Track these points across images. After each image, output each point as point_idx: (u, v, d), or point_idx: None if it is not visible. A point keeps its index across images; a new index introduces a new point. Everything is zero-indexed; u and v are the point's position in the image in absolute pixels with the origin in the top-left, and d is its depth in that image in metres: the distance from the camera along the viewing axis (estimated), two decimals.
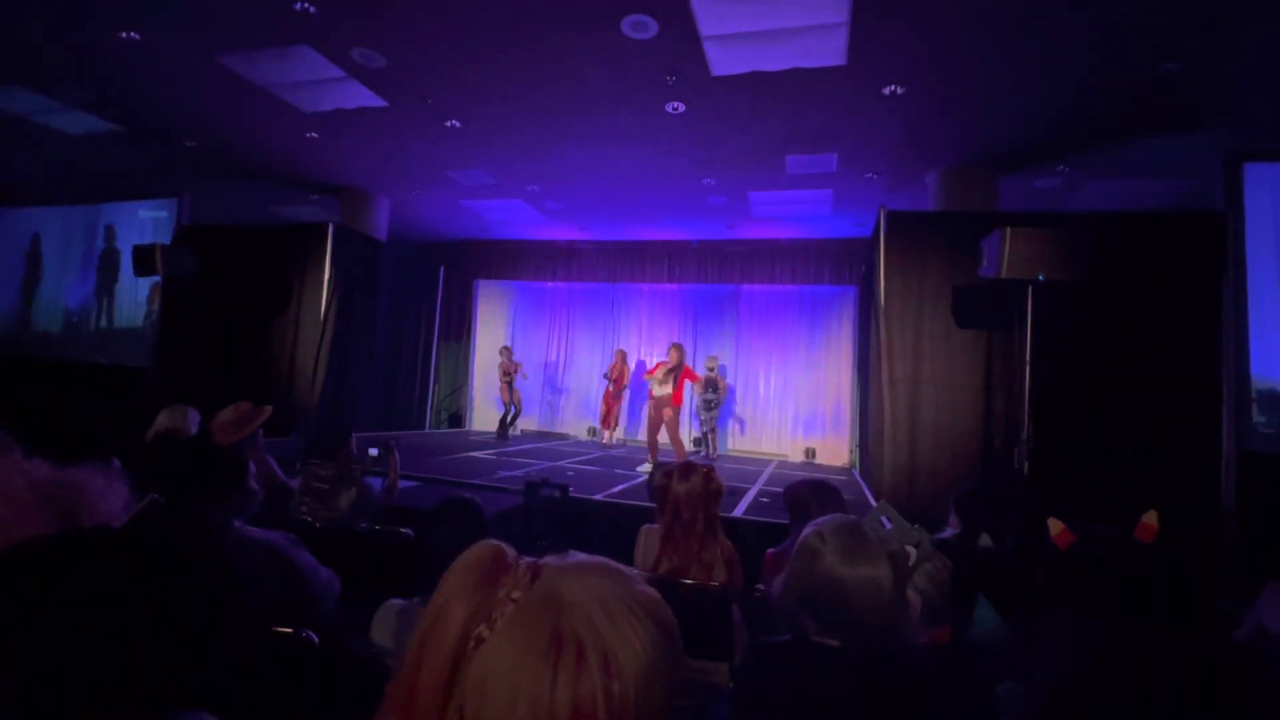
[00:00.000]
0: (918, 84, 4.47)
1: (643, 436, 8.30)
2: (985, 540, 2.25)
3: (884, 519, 2.14)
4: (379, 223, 7.89)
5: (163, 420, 2.70)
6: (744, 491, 5.38)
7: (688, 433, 8.74)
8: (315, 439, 2.44)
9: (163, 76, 5.00)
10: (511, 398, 9.16)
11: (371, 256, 7.18)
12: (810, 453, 8.78)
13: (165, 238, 6.65)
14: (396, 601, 1.57)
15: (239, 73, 4.83)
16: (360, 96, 5.14)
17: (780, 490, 4.00)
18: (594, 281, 9.96)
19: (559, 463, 6.53)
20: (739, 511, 4.36)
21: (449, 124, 5.59)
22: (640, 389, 9.42)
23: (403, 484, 3.24)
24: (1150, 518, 1.09)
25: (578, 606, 0.46)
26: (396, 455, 2.82)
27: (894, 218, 4.92)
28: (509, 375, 9.20)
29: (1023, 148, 5.41)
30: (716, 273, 9.31)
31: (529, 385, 9.81)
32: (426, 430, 9.88)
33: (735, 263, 9.14)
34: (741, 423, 9.30)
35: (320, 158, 6.64)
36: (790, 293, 9.16)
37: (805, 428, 8.96)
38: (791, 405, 9.07)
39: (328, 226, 6.41)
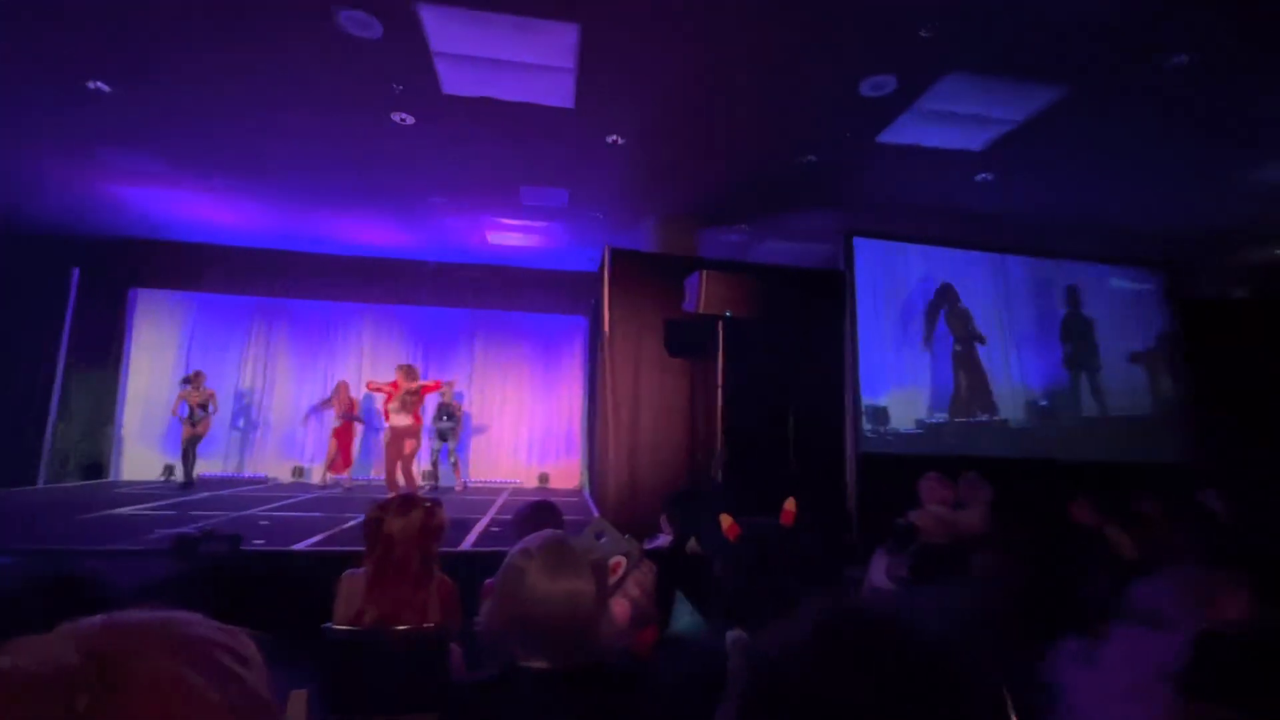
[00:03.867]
0: (636, 138, 5.00)
1: (376, 476, 7.46)
2: (693, 544, 2.53)
3: (600, 533, 2.25)
4: None
5: None
6: (474, 522, 5.18)
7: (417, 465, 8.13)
8: None
9: None
10: (194, 434, 7.45)
11: None
12: (544, 478, 8.92)
13: None
14: None
15: None
16: None
17: (510, 518, 3.95)
18: (304, 299, 8.69)
19: (250, 511, 5.44)
20: (467, 544, 4.17)
21: (91, 86, 4.36)
22: (368, 425, 8.49)
23: None
24: (790, 504, 1.34)
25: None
26: None
27: (617, 255, 5.39)
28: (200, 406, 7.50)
29: (716, 208, 6.45)
30: (451, 297, 8.94)
31: (216, 420, 8.02)
32: (41, 485, 7.31)
33: (471, 288, 8.91)
34: (477, 451, 9.01)
35: None
36: (526, 320, 9.29)
37: (540, 453, 9.09)
38: (526, 432, 9.13)
39: None
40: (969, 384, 5.72)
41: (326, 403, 7.91)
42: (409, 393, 5.83)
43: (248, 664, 0.42)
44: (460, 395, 8.46)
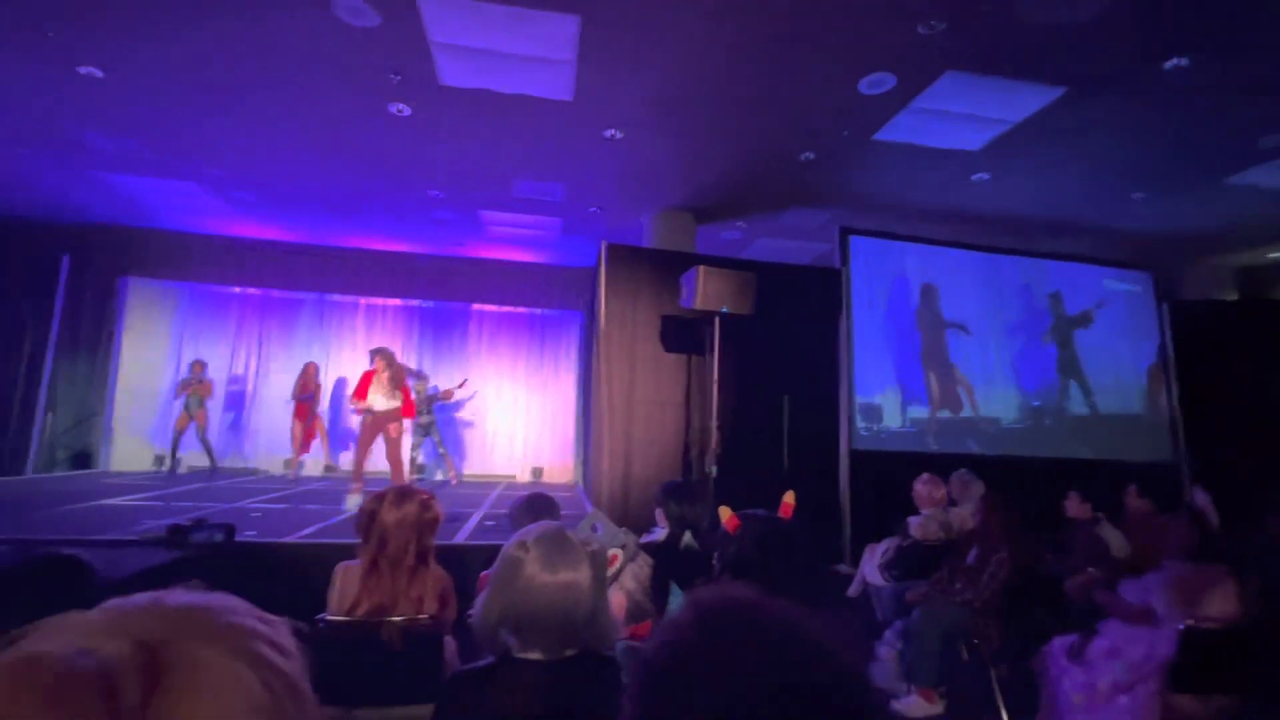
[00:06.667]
0: (634, 133, 4.98)
1: (346, 465, 7.32)
2: (688, 538, 2.53)
3: (596, 525, 2.25)
4: None
5: None
6: (469, 516, 5.18)
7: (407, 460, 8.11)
8: None
9: None
10: (194, 422, 7.50)
11: None
12: (538, 472, 8.92)
13: None
14: None
15: None
16: None
17: (506, 512, 3.95)
18: (298, 290, 8.63)
19: (241, 503, 5.41)
20: (461, 538, 4.17)
21: (83, 71, 4.30)
22: (338, 409, 8.41)
23: None
24: (789, 497, 1.35)
25: None
26: None
27: (614, 251, 5.37)
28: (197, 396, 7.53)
29: (713, 205, 6.44)
30: (447, 290, 8.89)
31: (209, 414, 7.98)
32: (30, 475, 7.25)
33: (466, 281, 8.87)
34: (471, 446, 8.99)
35: None
36: (521, 315, 9.27)
37: (534, 448, 9.08)
38: (521, 426, 9.11)
39: None
40: (940, 382, 5.75)
41: (300, 387, 7.87)
42: (392, 379, 5.49)
43: (286, 655, 0.41)
44: (434, 389, 8.37)
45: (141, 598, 0.40)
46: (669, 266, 5.21)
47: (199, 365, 7.71)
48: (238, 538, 3.15)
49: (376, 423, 5.39)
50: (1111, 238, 6.86)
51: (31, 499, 5.13)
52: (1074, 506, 3.63)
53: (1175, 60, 3.84)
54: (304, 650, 0.43)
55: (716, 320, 4.64)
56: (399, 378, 5.58)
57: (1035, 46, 3.76)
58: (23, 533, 3.66)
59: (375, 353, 5.61)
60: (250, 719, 0.36)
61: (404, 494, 2.06)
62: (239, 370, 8.59)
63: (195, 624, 0.38)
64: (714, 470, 4.47)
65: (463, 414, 8.98)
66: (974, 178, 5.62)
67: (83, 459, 7.82)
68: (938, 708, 2.74)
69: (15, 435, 7.35)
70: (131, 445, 8.11)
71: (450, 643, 2.10)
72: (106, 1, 3.60)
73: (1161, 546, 2.44)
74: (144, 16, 3.72)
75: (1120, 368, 6.25)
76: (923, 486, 3.95)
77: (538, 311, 9.20)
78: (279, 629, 0.42)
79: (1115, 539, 3.26)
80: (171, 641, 0.36)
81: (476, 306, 9.12)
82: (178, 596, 0.40)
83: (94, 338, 8.01)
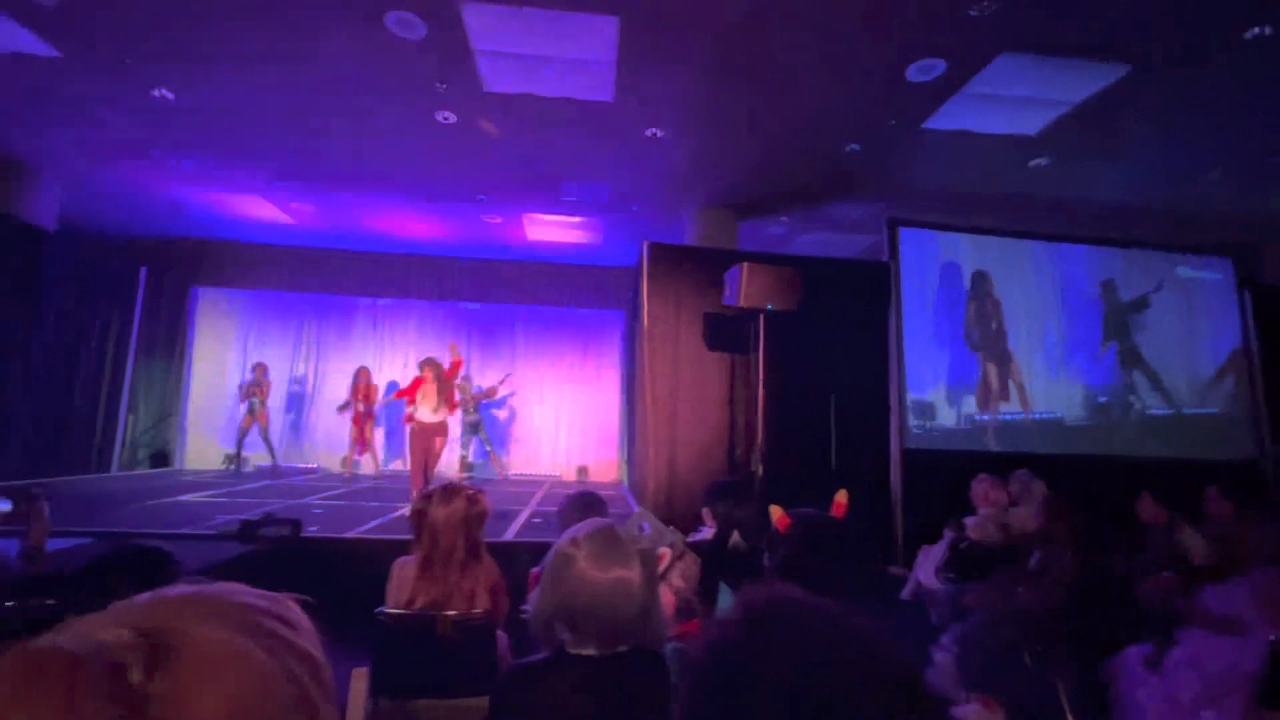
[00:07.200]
0: (675, 131, 4.97)
1: (400, 466, 7.52)
2: (736, 538, 2.52)
3: (644, 524, 2.26)
4: (43, 207, 6.10)
5: None
6: (516, 514, 5.27)
7: (453, 459, 8.33)
8: None
9: None
10: (256, 423, 7.92)
11: (28, 249, 5.49)
12: (583, 471, 9.00)
13: None
14: None
15: None
16: (16, 39, 3.94)
17: (553, 510, 4.01)
18: (352, 295, 8.98)
19: (304, 500, 5.66)
20: (510, 535, 4.25)
21: (156, 94, 4.59)
22: (393, 412, 8.65)
23: (59, 543, 2.46)
24: (841, 496, 1.32)
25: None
26: (45, 506, 2.12)
27: (656, 249, 5.36)
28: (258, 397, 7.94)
29: (755, 200, 6.36)
30: (492, 292, 9.10)
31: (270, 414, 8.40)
32: (114, 473, 7.78)
33: (511, 283, 9.05)
34: (517, 444, 9.16)
35: None
36: (564, 315, 9.38)
37: (579, 446, 9.17)
38: (565, 425, 9.23)
39: None
40: (997, 378, 5.49)
41: (355, 390, 8.16)
42: (441, 389, 5.46)
43: (295, 627, 0.43)
44: (478, 388, 8.55)
45: (145, 595, 0.42)
46: (711, 264, 5.17)
47: (260, 368, 8.13)
48: (303, 533, 3.31)
49: (425, 434, 5.45)
50: (1185, 221, 6.44)
51: (118, 495, 5.51)
52: (1147, 509, 3.43)
53: (1256, 29, 3.57)
54: (318, 624, 0.45)
55: (761, 317, 4.58)
56: (448, 390, 5.62)
57: (1098, 22, 3.56)
58: (113, 526, 3.93)
59: (424, 363, 5.70)
60: (257, 686, 0.38)
61: (450, 491, 2.11)
62: (299, 372, 8.99)
63: (195, 607, 0.40)
64: (760, 469, 4.42)
65: (508, 413, 9.16)
66: (1031, 163, 5.37)
67: (160, 457, 8.35)
68: (998, 717, 2.63)
69: (102, 435, 7.91)
70: (203, 444, 8.59)
71: (502, 637, 2.15)
72: (177, 31, 3.82)
73: (1249, 552, 2.28)
74: (209, 39, 3.94)
75: (1197, 360, 5.85)
76: (980, 486, 3.81)
77: (581, 311, 9.29)
78: (284, 605, 0.44)
79: (1196, 544, 3.06)
80: (173, 624, 0.38)
81: (521, 307, 9.29)
82: (179, 588, 0.42)
83: (169, 343, 8.54)
